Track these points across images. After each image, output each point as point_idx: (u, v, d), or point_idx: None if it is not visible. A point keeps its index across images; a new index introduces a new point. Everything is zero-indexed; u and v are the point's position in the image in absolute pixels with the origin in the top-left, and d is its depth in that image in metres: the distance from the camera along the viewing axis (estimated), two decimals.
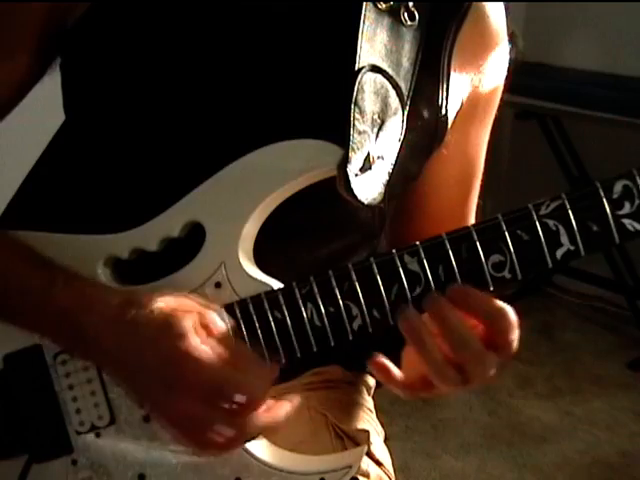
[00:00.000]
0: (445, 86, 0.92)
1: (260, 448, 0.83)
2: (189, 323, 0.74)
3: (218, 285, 0.82)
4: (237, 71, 0.88)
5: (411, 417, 2.95)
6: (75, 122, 0.96)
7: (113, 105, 0.89)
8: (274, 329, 0.80)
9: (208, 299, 0.81)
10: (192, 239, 0.84)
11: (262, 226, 0.84)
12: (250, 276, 0.82)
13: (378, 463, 1.02)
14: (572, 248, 0.77)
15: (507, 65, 1.01)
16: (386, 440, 2.68)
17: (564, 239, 0.77)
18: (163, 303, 0.76)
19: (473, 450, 2.78)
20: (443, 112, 0.93)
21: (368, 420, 1.10)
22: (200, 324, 0.76)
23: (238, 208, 0.82)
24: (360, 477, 0.95)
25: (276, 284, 0.82)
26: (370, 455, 1.01)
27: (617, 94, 3.21)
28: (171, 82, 0.87)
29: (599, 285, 3.74)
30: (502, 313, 0.77)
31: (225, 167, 0.82)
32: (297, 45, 0.88)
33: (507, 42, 1.00)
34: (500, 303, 0.78)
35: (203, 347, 0.74)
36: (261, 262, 0.84)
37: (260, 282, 0.82)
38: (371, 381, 1.14)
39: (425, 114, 0.92)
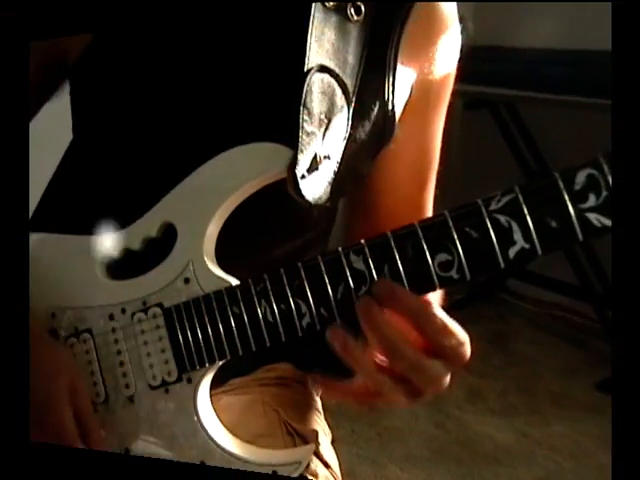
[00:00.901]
0: (391, 80, 0.94)
1: (222, 437, 0.93)
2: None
3: (187, 281, 0.92)
4: (195, 79, 0.95)
5: (357, 422, 2.78)
6: (79, 141, 1.09)
7: (107, 126, 1.02)
8: (233, 324, 0.88)
9: (179, 293, 0.92)
10: (168, 239, 0.94)
11: (222, 227, 0.93)
12: (213, 273, 0.91)
13: (326, 465, 1.07)
14: (527, 247, 0.73)
15: (459, 51, 1.02)
16: (333, 442, 2.48)
17: (517, 236, 0.73)
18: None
19: (420, 463, 2.60)
20: (390, 107, 0.95)
21: (317, 421, 1.15)
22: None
23: (202, 210, 0.92)
24: (310, 477, 1.01)
25: (234, 281, 0.90)
26: (318, 456, 1.06)
27: (576, 72, 2.75)
28: (144, 105, 0.97)
29: (560, 292, 3.22)
30: (429, 313, 0.76)
31: (191, 173, 0.91)
32: (249, 48, 0.93)
33: (458, 26, 1.00)
34: (429, 302, 0.77)
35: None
36: (223, 261, 0.92)
37: (221, 279, 0.91)
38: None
39: (372, 110, 0.94)
